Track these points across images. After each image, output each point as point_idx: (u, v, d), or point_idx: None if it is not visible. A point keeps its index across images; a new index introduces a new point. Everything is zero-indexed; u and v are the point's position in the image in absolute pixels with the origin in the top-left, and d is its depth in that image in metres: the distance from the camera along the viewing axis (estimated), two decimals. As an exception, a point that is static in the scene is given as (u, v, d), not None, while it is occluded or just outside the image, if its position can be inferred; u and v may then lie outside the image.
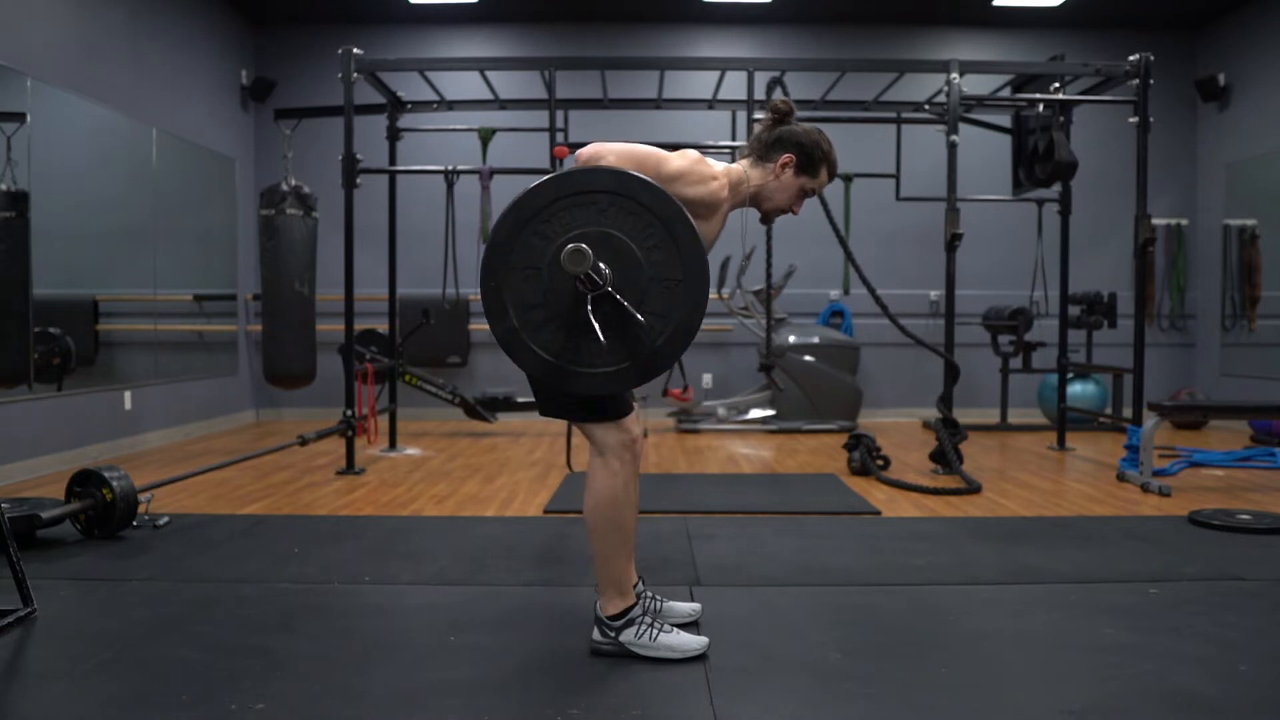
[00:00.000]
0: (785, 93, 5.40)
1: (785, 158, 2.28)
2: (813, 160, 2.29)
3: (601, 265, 1.91)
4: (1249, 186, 7.05)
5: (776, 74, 5.44)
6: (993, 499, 4.25)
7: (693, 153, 2.20)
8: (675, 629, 2.24)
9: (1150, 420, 4.56)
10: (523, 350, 1.96)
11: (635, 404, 2.27)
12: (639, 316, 1.92)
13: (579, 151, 2.10)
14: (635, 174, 1.95)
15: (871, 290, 5.03)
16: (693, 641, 2.21)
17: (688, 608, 2.47)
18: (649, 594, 2.42)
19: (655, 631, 2.20)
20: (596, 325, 1.90)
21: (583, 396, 2.07)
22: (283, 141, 5.58)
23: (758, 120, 5.04)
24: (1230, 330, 7.19)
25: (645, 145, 2.17)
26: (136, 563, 3.06)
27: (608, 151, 2.07)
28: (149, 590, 2.76)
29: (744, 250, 6.42)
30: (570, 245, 1.85)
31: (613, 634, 2.20)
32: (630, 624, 2.19)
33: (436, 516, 3.87)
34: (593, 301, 1.92)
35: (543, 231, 1.93)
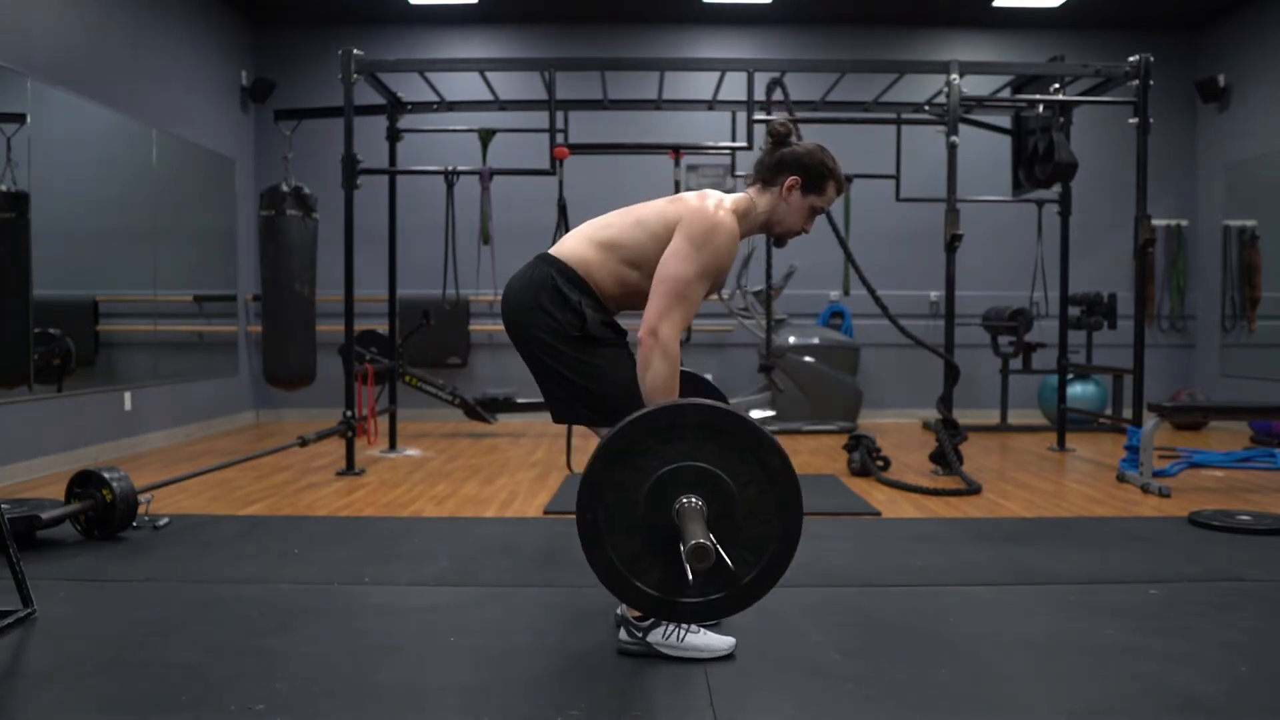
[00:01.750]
0: (785, 93, 5.40)
1: (791, 180, 2.28)
2: (818, 178, 2.29)
3: (699, 501, 1.91)
4: (1249, 187, 7.05)
5: (776, 75, 5.43)
6: (993, 500, 4.25)
7: (705, 221, 2.18)
8: (702, 629, 2.25)
9: (1150, 421, 4.56)
10: (626, 587, 1.97)
11: None
12: (730, 563, 1.93)
13: (640, 334, 2.13)
14: (726, 408, 1.96)
15: (871, 291, 5.03)
16: (720, 641, 2.22)
17: None
18: None
19: (683, 632, 2.21)
20: (689, 567, 1.88)
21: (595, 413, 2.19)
22: (283, 142, 5.58)
23: (759, 121, 5.07)
24: (1230, 331, 7.19)
25: (668, 274, 2.15)
26: (136, 563, 3.06)
27: (658, 319, 2.11)
28: (149, 591, 2.76)
29: (743, 253, 6.42)
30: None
31: (640, 634, 2.21)
32: (658, 624, 2.20)
33: (436, 517, 3.87)
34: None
35: (638, 465, 1.93)
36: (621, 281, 2.25)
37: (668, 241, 2.19)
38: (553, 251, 2.26)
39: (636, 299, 2.25)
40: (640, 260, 2.22)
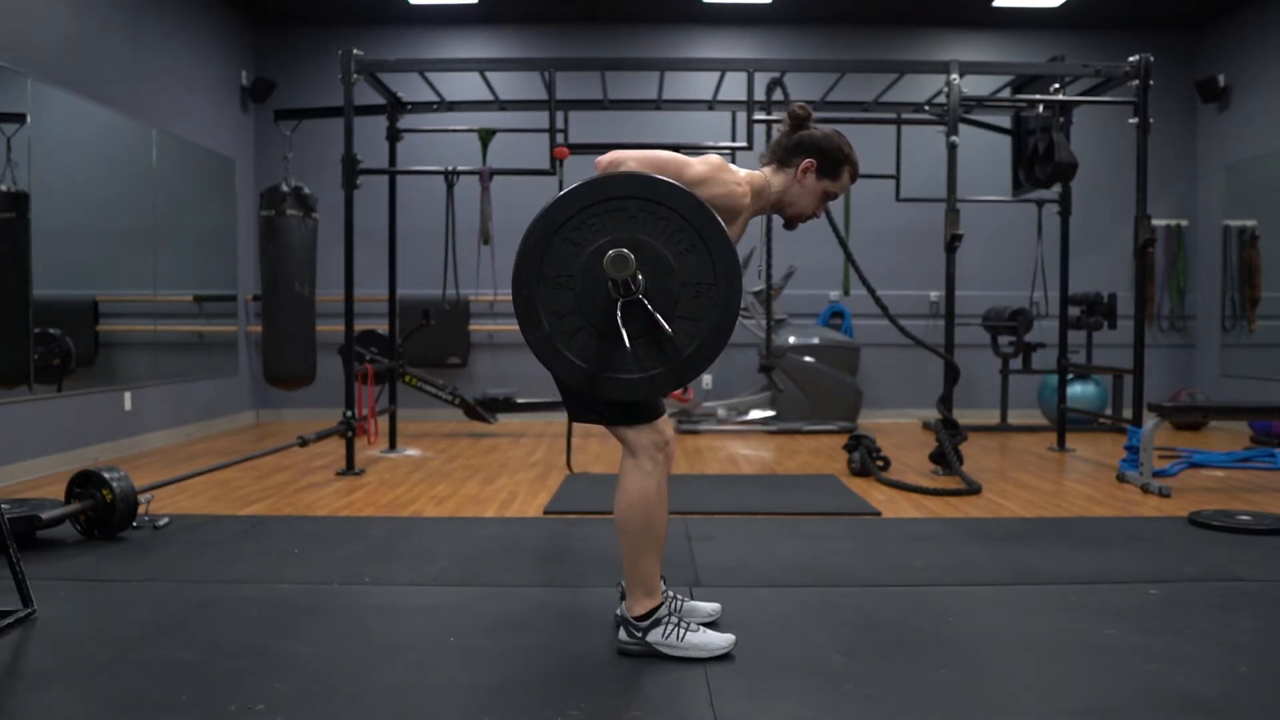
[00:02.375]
0: (785, 93, 5.41)
1: (806, 162, 2.28)
2: (834, 163, 2.30)
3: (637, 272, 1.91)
4: (1249, 187, 7.06)
5: (776, 75, 5.43)
6: (993, 500, 4.25)
7: (715, 158, 2.19)
8: (701, 628, 2.25)
9: (1150, 421, 4.56)
10: (557, 358, 1.96)
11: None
12: (667, 328, 1.92)
13: (599, 159, 2.10)
14: (665, 179, 1.95)
15: (871, 291, 5.03)
16: (720, 640, 2.21)
17: (708, 607, 2.47)
18: (670, 593, 2.43)
19: (682, 631, 2.20)
20: (625, 333, 1.90)
21: (617, 401, 2.08)
22: (283, 142, 5.58)
23: (759, 121, 5.07)
24: (1230, 331, 7.20)
25: (665, 151, 2.17)
26: (136, 564, 3.06)
27: (628, 157, 2.07)
28: (149, 591, 2.76)
29: (744, 251, 6.42)
30: (613, 251, 1.85)
31: (640, 634, 2.20)
32: (657, 624, 2.20)
33: (436, 517, 3.87)
34: (623, 308, 1.91)
35: (574, 239, 1.93)
36: None
37: None
38: None
39: None
40: None
